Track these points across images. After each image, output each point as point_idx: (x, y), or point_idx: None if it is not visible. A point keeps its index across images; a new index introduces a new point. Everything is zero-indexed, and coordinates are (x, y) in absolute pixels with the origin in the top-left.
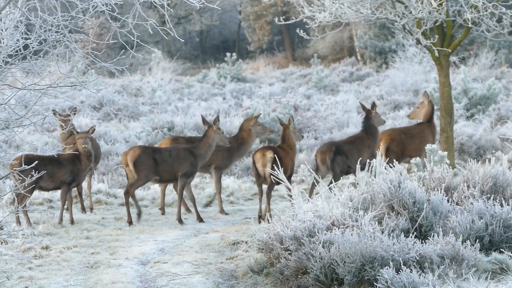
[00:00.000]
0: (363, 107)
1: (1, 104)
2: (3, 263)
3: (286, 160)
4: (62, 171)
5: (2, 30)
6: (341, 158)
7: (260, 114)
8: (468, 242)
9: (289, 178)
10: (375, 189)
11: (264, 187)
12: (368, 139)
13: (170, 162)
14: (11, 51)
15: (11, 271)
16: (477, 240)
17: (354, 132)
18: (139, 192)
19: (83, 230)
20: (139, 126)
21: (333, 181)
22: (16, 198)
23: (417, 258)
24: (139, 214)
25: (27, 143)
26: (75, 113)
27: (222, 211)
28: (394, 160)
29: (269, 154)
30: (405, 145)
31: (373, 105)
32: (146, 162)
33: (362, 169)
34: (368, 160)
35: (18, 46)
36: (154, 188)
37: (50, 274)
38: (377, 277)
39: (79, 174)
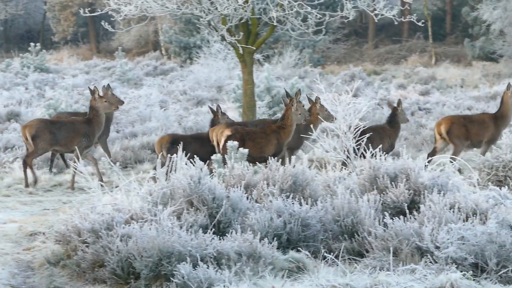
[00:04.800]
0: (390, 105)
1: None
2: None
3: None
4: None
5: None
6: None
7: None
8: (266, 239)
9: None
10: (175, 184)
11: None
12: (390, 131)
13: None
14: None
15: None
16: (275, 238)
17: (156, 126)
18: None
19: None
20: None
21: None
22: None
23: (215, 254)
24: None
25: None
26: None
27: None
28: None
29: (226, 132)
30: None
31: (399, 102)
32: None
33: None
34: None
35: None
36: None
37: None
38: (174, 272)
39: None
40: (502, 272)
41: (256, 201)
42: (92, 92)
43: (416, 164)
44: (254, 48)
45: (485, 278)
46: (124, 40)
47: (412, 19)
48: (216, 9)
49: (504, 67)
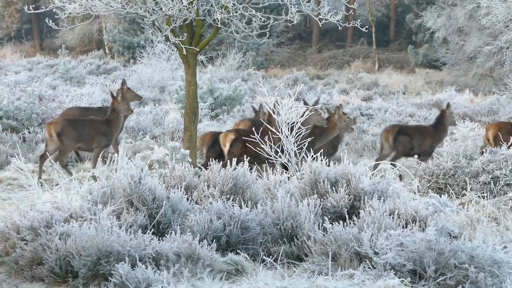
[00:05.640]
0: (438, 106)
1: None
2: None
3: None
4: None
5: None
6: (403, 138)
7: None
8: (205, 241)
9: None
10: (116, 184)
11: None
12: (433, 132)
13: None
14: None
15: None
16: (214, 240)
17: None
18: None
19: None
20: None
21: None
22: None
23: (153, 255)
24: None
25: None
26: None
27: None
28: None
29: (230, 136)
30: None
31: (448, 105)
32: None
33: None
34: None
35: None
36: None
37: None
38: (112, 271)
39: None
40: (440, 279)
41: (196, 203)
42: (114, 96)
43: (357, 170)
44: (198, 49)
45: (423, 285)
46: (68, 38)
47: (356, 25)
48: (160, 9)
49: (447, 75)
